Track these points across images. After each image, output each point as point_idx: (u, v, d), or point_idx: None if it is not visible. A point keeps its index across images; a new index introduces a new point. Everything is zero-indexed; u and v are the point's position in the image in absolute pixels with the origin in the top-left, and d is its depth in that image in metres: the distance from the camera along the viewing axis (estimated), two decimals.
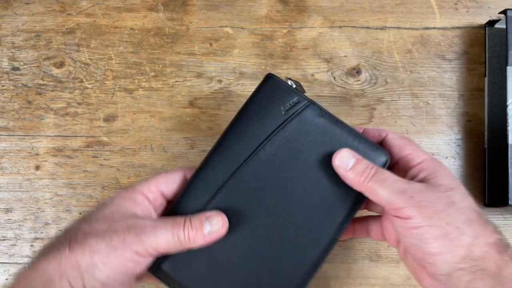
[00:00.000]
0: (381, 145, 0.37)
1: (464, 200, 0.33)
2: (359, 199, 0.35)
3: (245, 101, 0.37)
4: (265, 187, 0.36)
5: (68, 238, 0.32)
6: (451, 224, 0.31)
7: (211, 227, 0.34)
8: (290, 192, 0.35)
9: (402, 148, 0.36)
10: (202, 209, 0.35)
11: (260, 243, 0.35)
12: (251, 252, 0.35)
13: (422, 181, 0.34)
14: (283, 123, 0.36)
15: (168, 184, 0.36)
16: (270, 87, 0.37)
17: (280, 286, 0.35)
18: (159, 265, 0.35)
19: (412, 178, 0.34)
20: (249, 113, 0.37)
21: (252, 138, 0.36)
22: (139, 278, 0.35)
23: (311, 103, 0.36)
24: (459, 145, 0.49)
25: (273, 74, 0.37)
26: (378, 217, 0.40)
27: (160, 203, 0.36)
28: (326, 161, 0.35)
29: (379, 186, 0.33)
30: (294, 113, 0.36)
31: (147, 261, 0.33)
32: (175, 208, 0.36)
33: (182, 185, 0.37)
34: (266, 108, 0.37)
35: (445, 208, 0.32)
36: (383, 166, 0.35)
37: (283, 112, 0.36)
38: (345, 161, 0.34)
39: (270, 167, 0.36)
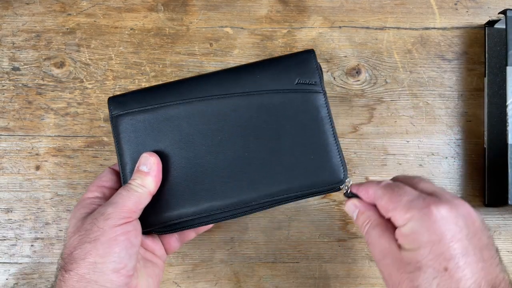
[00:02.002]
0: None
1: (431, 284, 0.30)
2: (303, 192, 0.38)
3: None
4: (238, 124, 0.39)
5: (59, 270, 0.34)
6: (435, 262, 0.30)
7: (145, 166, 0.37)
8: (249, 141, 0.38)
9: (385, 209, 0.34)
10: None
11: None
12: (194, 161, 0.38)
13: (399, 246, 0.32)
14: (289, 89, 0.39)
15: (102, 177, 0.40)
16: (304, 57, 0.40)
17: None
18: (146, 223, 0.38)
19: (397, 241, 0.33)
20: (270, 63, 0.40)
21: (256, 83, 0.39)
22: (148, 245, 0.39)
23: (323, 93, 0.39)
24: (459, 145, 0.49)
25: (314, 52, 0.40)
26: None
27: (110, 194, 0.38)
28: (293, 142, 0.38)
29: (368, 243, 0.35)
30: (303, 89, 0.39)
31: (133, 228, 0.35)
32: (163, 86, 0.40)
33: (113, 172, 0.40)
34: (286, 69, 0.39)
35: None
36: (334, 185, 0.38)
37: (295, 82, 0.39)
38: (350, 211, 0.37)
39: (252, 113, 0.39)
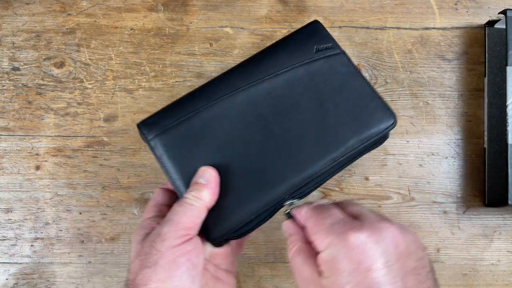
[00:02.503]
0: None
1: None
2: (354, 152, 0.38)
3: None
4: (274, 105, 0.38)
5: None
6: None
7: (203, 178, 0.35)
8: (293, 117, 0.38)
9: (310, 232, 0.33)
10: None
11: (252, 150, 0.37)
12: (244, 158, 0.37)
13: (320, 273, 0.31)
14: (310, 59, 0.39)
15: (157, 196, 0.38)
16: (312, 28, 0.41)
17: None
18: (209, 235, 0.36)
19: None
20: (284, 42, 0.41)
21: (277, 63, 0.39)
22: (219, 261, 0.37)
23: (343, 53, 0.40)
24: (458, 145, 0.49)
25: (318, 21, 0.41)
26: None
27: (162, 212, 0.37)
28: (334, 104, 0.38)
29: (292, 268, 0.33)
30: (324, 55, 0.40)
31: (193, 246, 0.33)
32: (193, 93, 0.39)
33: (164, 191, 0.39)
34: (301, 42, 0.40)
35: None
36: (386, 129, 0.38)
37: (314, 51, 0.40)
38: (283, 231, 0.37)
39: (284, 91, 0.39)
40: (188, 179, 0.36)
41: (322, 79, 0.39)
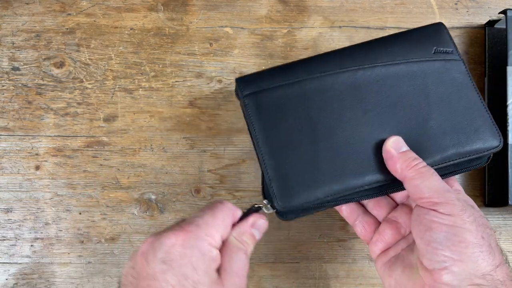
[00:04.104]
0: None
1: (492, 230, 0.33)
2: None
3: None
4: (379, 94, 0.37)
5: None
6: (486, 240, 0.31)
7: (259, 231, 0.35)
8: (396, 111, 0.37)
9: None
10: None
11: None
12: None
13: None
14: (427, 58, 0.38)
15: (226, 226, 0.35)
16: (435, 28, 0.40)
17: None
18: (289, 202, 0.36)
19: None
20: (403, 35, 0.40)
21: (393, 53, 0.38)
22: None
23: (462, 61, 0.39)
24: None
25: (443, 24, 0.40)
26: (371, 216, 0.40)
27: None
28: (440, 109, 0.37)
29: (426, 178, 0.33)
30: (442, 58, 0.38)
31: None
32: (298, 63, 0.39)
33: (230, 225, 0.35)
34: (421, 40, 0.39)
35: (483, 226, 0.32)
36: (490, 149, 0.36)
37: (432, 51, 0.38)
38: (400, 145, 0.35)
39: (393, 82, 0.37)
40: (274, 146, 0.36)
41: (434, 81, 0.38)
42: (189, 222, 0.33)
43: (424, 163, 0.34)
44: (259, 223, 0.35)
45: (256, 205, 0.37)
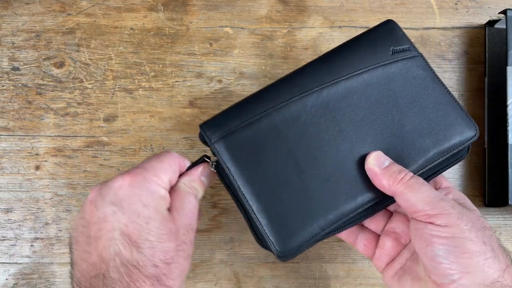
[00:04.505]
0: None
1: (491, 228, 0.33)
2: None
3: None
4: (350, 109, 0.36)
5: (150, 278, 0.29)
6: (488, 245, 0.30)
7: (207, 178, 0.36)
8: (370, 123, 0.36)
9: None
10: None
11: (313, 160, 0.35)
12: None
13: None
14: (387, 61, 0.37)
15: (173, 172, 0.35)
16: (387, 28, 0.38)
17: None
18: (285, 246, 0.34)
19: None
20: (357, 41, 0.38)
21: (352, 64, 0.37)
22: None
23: (421, 56, 0.37)
24: None
25: (393, 20, 0.39)
26: (370, 232, 0.39)
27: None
28: (412, 111, 0.36)
29: (416, 190, 0.32)
30: (401, 57, 0.37)
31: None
32: (259, 94, 0.36)
33: (177, 171, 0.36)
34: (376, 43, 0.37)
35: (482, 229, 0.31)
36: (468, 140, 0.36)
37: (390, 53, 0.37)
38: (381, 160, 0.34)
39: (360, 94, 0.36)
40: (257, 189, 0.34)
41: (400, 83, 0.36)
42: (135, 167, 0.33)
43: (411, 174, 0.33)
44: (207, 171, 0.36)
45: (205, 157, 0.37)
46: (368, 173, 0.34)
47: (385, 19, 0.51)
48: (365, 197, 0.34)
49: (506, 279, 0.30)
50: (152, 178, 0.32)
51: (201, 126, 0.36)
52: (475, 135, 0.36)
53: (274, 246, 0.33)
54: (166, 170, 0.33)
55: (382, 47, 0.37)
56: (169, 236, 0.30)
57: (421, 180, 0.33)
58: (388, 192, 0.33)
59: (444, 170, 0.37)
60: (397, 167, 0.33)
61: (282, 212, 0.34)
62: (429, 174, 0.36)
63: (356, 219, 0.36)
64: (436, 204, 0.31)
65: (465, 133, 0.36)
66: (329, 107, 0.35)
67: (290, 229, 0.33)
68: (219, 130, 0.35)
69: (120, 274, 0.27)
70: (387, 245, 0.37)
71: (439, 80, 0.37)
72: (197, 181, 0.35)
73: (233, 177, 0.34)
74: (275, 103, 0.35)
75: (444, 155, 0.35)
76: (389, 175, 0.33)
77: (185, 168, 0.36)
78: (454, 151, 0.36)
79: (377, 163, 0.33)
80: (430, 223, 0.31)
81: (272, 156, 0.34)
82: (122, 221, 0.29)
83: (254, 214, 0.34)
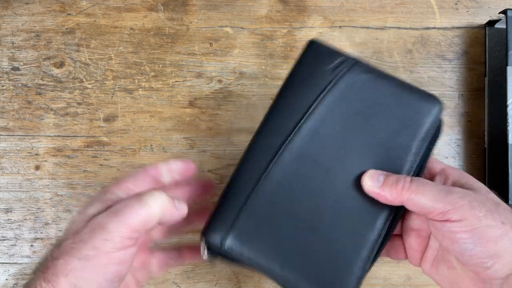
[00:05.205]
0: None
1: (503, 204, 0.31)
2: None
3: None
4: (324, 145, 0.35)
5: (39, 274, 0.28)
6: (507, 223, 0.30)
7: (181, 204, 0.33)
8: (348, 148, 0.34)
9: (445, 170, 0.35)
10: (260, 175, 0.34)
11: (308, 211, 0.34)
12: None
13: (455, 185, 0.33)
14: (332, 83, 0.36)
15: (136, 180, 0.33)
16: (313, 50, 0.37)
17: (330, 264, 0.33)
18: (222, 246, 0.33)
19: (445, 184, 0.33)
20: (296, 77, 0.37)
21: (303, 100, 0.35)
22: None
23: (357, 61, 0.36)
24: (459, 145, 0.49)
25: (314, 39, 0.37)
26: (394, 237, 0.39)
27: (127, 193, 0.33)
28: (377, 117, 0.35)
29: (422, 190, 0.31)
30: (342, 72, 0.36)
31: (128, 256, 0.30)
32: (237, 174, 0.35)
33: (149, 178, 0.34)
34: (312, 72, 0.36)
35: (496, 208, 0.30)
36: (438, 114, 0.35)
37: (330, 72, 0.36)
38: (376, 178, 0.33)
39: (325, 127, 0.35)
40: (284, 260, 0.32)
41: (354, 95, 0.35)
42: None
43: (409, 178, 0.32)
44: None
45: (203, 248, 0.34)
46: (371, 195, 0.33)
47: (385, 19, 0.51)
48: (382, 216, 0.33)
49: None
50: (108, 187, 0.32)
51: (206, 239, 0.34)
52: (441, 105, 0.35)
53: None
54: (128, 180, 0.33)
55: (319, 72, 0.36)
56: (72, 234, 0.29)
57: (421, 180, 0.32)
58: (396, 204, 0.33)
59: (431, 152, 0.36)
60: (393, 177, 0.32)
61: (321, 275, 0.33)
62: (421, 165, 0.36)
63: (386, 237, 0.35)
64: (445, 200, 0.30)
65: (432, 109, 0.35)
66: (305, 155, 0.34)
67: (337, 286, 0.32)
68: (219, 230, 0.33)
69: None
70: (413, 243, 0.37)
71: (384, 73, 0.36)
72: (157, 191, 0.32)
73: (257, 266, 0.33)
74: (257, 178, 0.34)
75: (426, 141, 0.35)
76: (390, 189, 0.32)
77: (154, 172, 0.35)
78: (432, 131, 0.35)
79: (373, 183, 0.33)
80: (446, 220, 0.30)
81: (281, 228, 0.33)
82: None
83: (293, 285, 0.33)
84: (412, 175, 0.34)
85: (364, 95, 0.35)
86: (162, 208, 0.31)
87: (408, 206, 0.32)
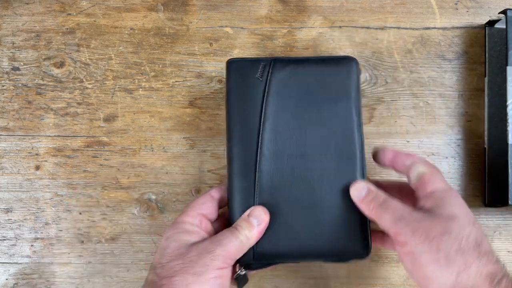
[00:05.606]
0: (407, 172, 0.40)
1: (464, 230, 0.34)
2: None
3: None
4: (288, 139, 0.40)
5: None
6: (441, 251, 0.32)
7: (256, 219, 0.38)
8: (311, 134, 0.40)
9: (422, 176, 0.38)
10: (253, 195, 0.39)
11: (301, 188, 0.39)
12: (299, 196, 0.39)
13: (428, 210, 0.35)
14: (266, 85, 0.40)
15: (203, 205, 0.40)
16: (235, 68, 0.41)
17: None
18: (253, 257, 0.39)
19: (422, 207, 0.36)
20: (234, 97, 0.41)
21: (251, 114, 0.40)
22: None
23: (274, 58, 0.41)
24: (459, 145, 0.49)
25: (231, 59, 0.41)
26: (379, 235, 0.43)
27: (205, 224, 0.39)
28: (320, 97, 0.40)
29: (383, 212, 0.36)
30: (268, 74, 0.40)
31: (227, 274, 0.36)
32: (231, 208, 0.40)
33: (214, 202, 0.40)
34: (245, 85, 0.40)
35: (439, 236, 0.33)
36: (357, 69, 0.41)
37: (260, 79, 0.40)
38: (360, 191, 0.38)
39: (281, 123, 0.40)
40: (302, 240, 0.39)
41: (289, 90, 0.40)
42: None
43: (382, 198, 0.37)
44: (253, 212, 0.38)
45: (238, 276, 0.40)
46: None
47: (385, 19, 0.51)
48: (357, 168, 0.40)
49: (462, 280, 0.32)
50: (180, 218, 0.38)
51: (239, 263, 0.39)
52: (355, 60, 0.41)
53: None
54: (194, 207, 0.39)
55: (250, 83, 0.40)
56: (176, 256, 0.35)
57: (388, 202, 0.36)
58: (371, 219, 0.38)
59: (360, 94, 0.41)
60: (371, 194, 0.37)
61: (334, 235, 0.39)
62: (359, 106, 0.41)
63: None
64: (395, 225, 0.35)
65: (351, 68, 0.40)
66: (277, 153, 0.40)
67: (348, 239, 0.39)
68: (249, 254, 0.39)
69: None
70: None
71: (298, 58, 0.42)
72: (242, 221, 0.38)
73: (284, 255, 0.39)
74: (251, 188, 0.39)
75: (358, 91, 0.40)
76: (365, 205, 0.37)
77: (218, 194, 0.41)
78: (358, 81, 0.41)
79: (357, 195, 0.38)
80: (396, 242, 0.35)
81: (287, 215, 0.39)
82: (154, 257, 0.37)
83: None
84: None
85: (296, 84, 0.40)
86: (252, 243, 0.38)
87: (377, 222, 0.37)
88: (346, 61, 0.41)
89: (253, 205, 0.39)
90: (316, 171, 0.39)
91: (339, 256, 0.39)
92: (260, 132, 0.39)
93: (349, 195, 0.38)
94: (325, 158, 0.39)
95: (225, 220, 0.40)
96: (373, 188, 0.38)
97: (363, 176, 0.39)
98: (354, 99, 0.40)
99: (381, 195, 0.37)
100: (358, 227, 0.39)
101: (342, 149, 0.39)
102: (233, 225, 0.38)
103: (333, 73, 0.40)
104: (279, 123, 0.40)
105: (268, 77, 0.40)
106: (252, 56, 0.41)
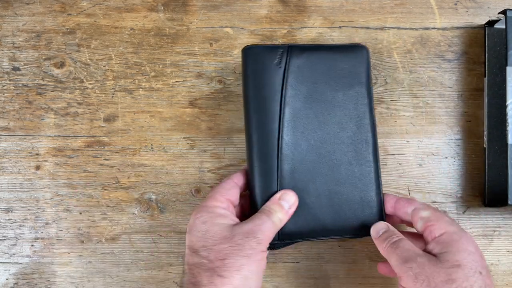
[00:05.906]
0: (411, 219, 0.41)
1: (467, 280, 0.34)
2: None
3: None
4: (307, 123, 0.41)
5: (206, 271, 0.36)
6: None
7: (287, 202, 0.40)
8: (328, 118, 0.42)
9: (426, 220, 0.39)
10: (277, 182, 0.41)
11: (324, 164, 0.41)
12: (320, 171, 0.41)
13: (435, 255, 0.36)
14: (284, 72, 0.41)
15: (229, 191, 0.41)
16: (252, 55, 0.42)
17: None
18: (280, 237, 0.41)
19: (431, 251, 0.37)
20: (252, 83, 0.42)
21: (271, 99, 0.41)
22: None
23: (290, 45, 0.42)
24: (458, 145, 0.49)
25: (248, 46, 0.42)
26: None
27: (232, 209, 0.41)
28: (335, 83, 0.42)
29: (392, 252, 0.37)
30: (285, 61, 0.42)
31: (266, 255, 0.38)
32: (254, 192, 0.41)
33: (237, 188, 0.42)
34: (263, 72, 0.41)
35: (441, 285, 0.33)
36: (368, 56, 0.43)
37: (278, 66, 0.41)
38: (377, 231, 0.40)
39: (299, 109, 0.41)
40: (326, 218, 0.41)
41: (305, 76, 0.41)
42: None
43: (394, 239, 0.38)
44: (285, 196, 0.40)
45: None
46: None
47: (385, 19, 0.51)
48: (369, 150, 0.43)
49: None
50: (211, 203, 0.40)
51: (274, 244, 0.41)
52: (366, 47, 0.43)
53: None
54: (222, 193, 0.40)
55: (269, 70, 0.41)
56: (222, 240, 0.37)
57: (398, 243, 0.38)
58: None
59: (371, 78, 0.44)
60: (387, 234, 0.39)
61: (353, 212, 0.42)
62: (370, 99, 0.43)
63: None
64: (401, 266, 0.36)
65: (363, 55, 0.43)
66: (297, 140, 0.41)
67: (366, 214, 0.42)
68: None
69: (187, 273, 0.37)
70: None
71: (312, 45, 0.44)
72: (275, 204, 0.40)
73: (307, 233, 0.41)
74: (274, 176, 0.41)
75: (370, 77, 0.43)
76: (380, 244, 0.39)
77: (241, 181, 0.42)
78: (369, 68, 0.43)
79: (374, 233, 0.40)
80: (399, 284, 0.37)
81: (310, 193, 0.41)
82: (189, 240, 0.39)
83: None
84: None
85: (312, 70, 0.42)
86: (282, 219, 0.40)
87: (388, 260, 0.38)
88: (358, 48, 0.43)
89: (276, 188, 0.40)
90: (335, 153, 0.41)
91: (356, 233, 0.41)
92: (281, 118, 0.41)
93: (364, 176, 0.41)
94: (342, 141, 0.41)
95: (242, 204, 0.43)
96: (390, 228, 0.40)
97: (376, 155, 0.42)
98: (366, 84, 0.42)
99: (395, 235, 0.38)
100: (374, 205, 0.41)
101: (357, 131, 0.42)
102: (265, 209, 0.39)
103: (347, 59, 0.42)
104: (298, 108, 0.41)
105: (287, 63, 0.41)
106: (264, 44, 0.43)
